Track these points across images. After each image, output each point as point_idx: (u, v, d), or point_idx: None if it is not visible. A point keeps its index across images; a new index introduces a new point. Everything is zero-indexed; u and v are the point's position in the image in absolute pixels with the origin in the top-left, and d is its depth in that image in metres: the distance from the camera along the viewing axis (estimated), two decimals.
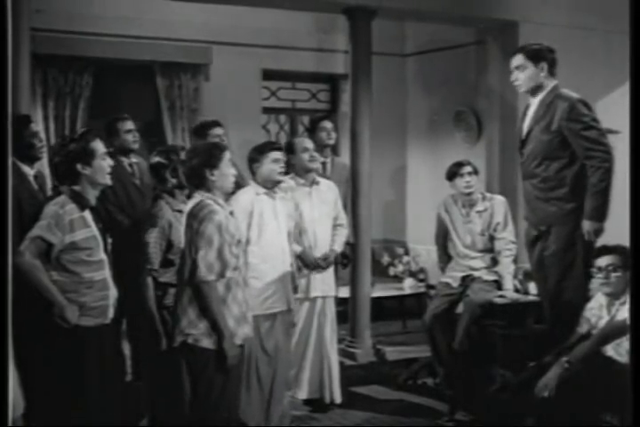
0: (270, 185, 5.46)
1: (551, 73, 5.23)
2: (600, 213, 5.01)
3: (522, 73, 5.26)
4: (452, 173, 6.22)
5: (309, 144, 6.00)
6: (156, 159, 5.05)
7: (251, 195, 5.40)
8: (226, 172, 4.44)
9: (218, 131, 6.52)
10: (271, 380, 5.45)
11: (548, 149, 5.17)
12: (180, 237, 4.65)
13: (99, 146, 4.39)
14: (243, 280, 4.49)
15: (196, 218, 4.28)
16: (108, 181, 4.43)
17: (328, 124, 6.85)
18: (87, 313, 4.28)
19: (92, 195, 4.38)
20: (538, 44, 5.30)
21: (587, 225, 5.04)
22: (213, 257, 4.24)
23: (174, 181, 4.97)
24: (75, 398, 4.30)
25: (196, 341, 4.28)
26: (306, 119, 9.22)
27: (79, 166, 4.30)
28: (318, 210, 5.96)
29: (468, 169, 6.17)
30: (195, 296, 4.26)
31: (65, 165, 4.33)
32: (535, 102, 5.28)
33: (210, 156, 4.40)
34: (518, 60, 5.27)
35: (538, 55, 5.21)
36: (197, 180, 4.39)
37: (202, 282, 4.23)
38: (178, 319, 4.34)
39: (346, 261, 6.95)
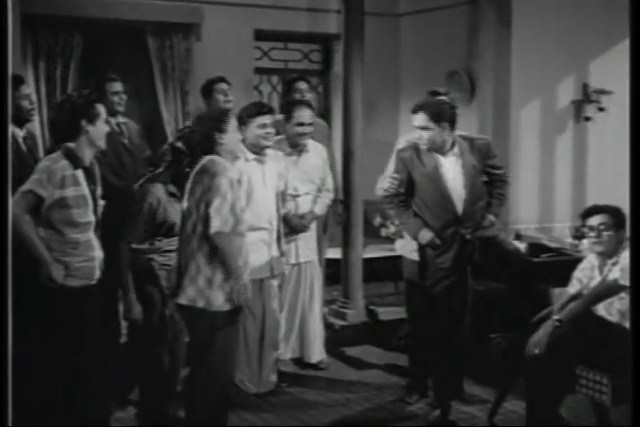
0: (258, 150, 5.42)
1: (452, 128, 5.11)
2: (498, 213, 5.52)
3: (425, 133, 5.08)
4: None
5: (308, 119, 5.90)
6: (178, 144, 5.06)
7: (240, 161, 5.26)
8: (234, 136, 4.50)
9: (223, 86, 6.55)
10: (259, 341, 5.50)
11: (481, 187, 5.26)
12: (167, 214, 4.74)
13: (102, 109, 4.43)
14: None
15: (207, 173, 4.31)
16: (103, 144, 4.44)
17: (302, 85, 6.75)
18: (72, 273, 4.30)
19: (87, 154, 4.38)
20: (438, 104, 5.18)
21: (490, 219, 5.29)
22: (227, 210, 4.25)
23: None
24: (62, 358, 4.32)
25: (191, 301, 4.32)
26: None
27: (84, 122, 4.31)
28: (301, 178, 5.93)
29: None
30: (210, 249, 4.28)
31: (69, 118, 4.33)
32: (452, 160, 5.16)
33: (218, 121, 4.45)
34: (420, 120, 5.07)
35: (440, 116, 5.04)
36: (208, 145, 4.43)
37: (217, 233, 4.23)
38: (180, 277, 4.38)
39: (339, 218, 6.93)
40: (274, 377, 5.69)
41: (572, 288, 4.95)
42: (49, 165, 4.27)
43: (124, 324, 5.30)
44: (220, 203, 4.24)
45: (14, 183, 4.28)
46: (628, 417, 3.64)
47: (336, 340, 6.70)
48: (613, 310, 4.70)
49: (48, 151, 4.86)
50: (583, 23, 7.77)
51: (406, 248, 5.60)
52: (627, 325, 4.42)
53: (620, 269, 4.55)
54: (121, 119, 5.90)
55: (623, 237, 4.68)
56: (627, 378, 3.60)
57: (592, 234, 4.78)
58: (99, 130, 4.38)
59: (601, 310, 4.75)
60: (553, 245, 6.58)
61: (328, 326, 6.59)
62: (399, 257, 5.87)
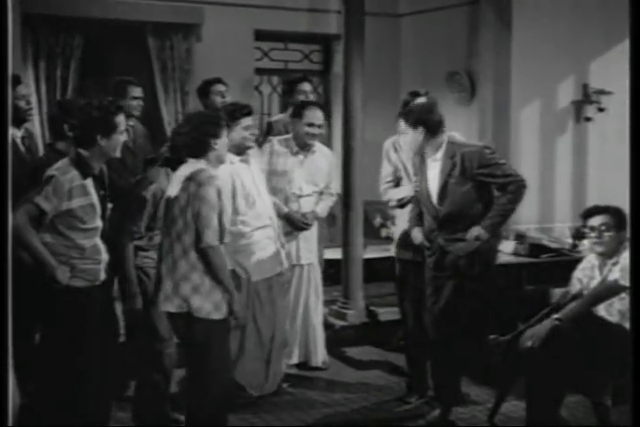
0: (242, 151, 5.36)
1: (433, 134, 5.04)
2: (495, 229, 5.09)
3: (404, 136, 5.24)
4: None
5: (318, 120, 5.86)
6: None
7: (226, 166, 5.09)
8: (225, 141, 4.40)
9: (220, 87, 6.54)
10: (270, 340, 5.49)
11: (466, 196, 5.04)
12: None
13: (121, 120, 4.34)
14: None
15: (194, 181, 4.20)
16: (117, 154, 4.40)
17: (307, 87, 6.73)
18: (77, 275, 4.28)
19: (97, 164, 4.34)
20: (414, 109, 5.19)
21: (477, 231, 5.00)
22: (215, 223, 4.19)
23: None
24: (65, 358, 4.31)
25: (179, 308, 4.26)
26: None
27: (98, 137, 4.23)
28: (306, 179, 5.93)
29: None
30: (202, 261, 4.21)
31: (82, 131, 4.27)
32: (434, 165, 5.09)
33: (215, 125, 4.35)
34: (401, 123, 5.25)
35: (415, 121, 5.04)
36: (200, 150, 4.30)
37: (208, 247, 4.18)
38: (159, 283, 4.34)
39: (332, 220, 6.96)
40: (279, 378, 5.68)
41: (573, 288, 4.95)
42: (56, 176, 4.19)
43: (122, 324, 5.32)
44: (208, 214, 4.16)
45: (13, 183, 4.29)
46: (628, 417, 3.64)
47: (336, 340, 6.69)
48: (614, 310, 4.70)
49: (47, 147, 4.82)
50: (583, 24, 7.76)
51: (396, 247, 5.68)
52: (627, 325, 4.41)
53: (620, 270, 4.55)
54: (130, 122, 5.90)
55: (624, 237, 4.68)
56: (627, 378, 3.60)
57: (593, 234, 4.78)
58: (114, 143, 4.30)
59: (601, 310, 4.74)
60: (553, 245, 6.59)
61: (328, 327, 6.59)
62: None
